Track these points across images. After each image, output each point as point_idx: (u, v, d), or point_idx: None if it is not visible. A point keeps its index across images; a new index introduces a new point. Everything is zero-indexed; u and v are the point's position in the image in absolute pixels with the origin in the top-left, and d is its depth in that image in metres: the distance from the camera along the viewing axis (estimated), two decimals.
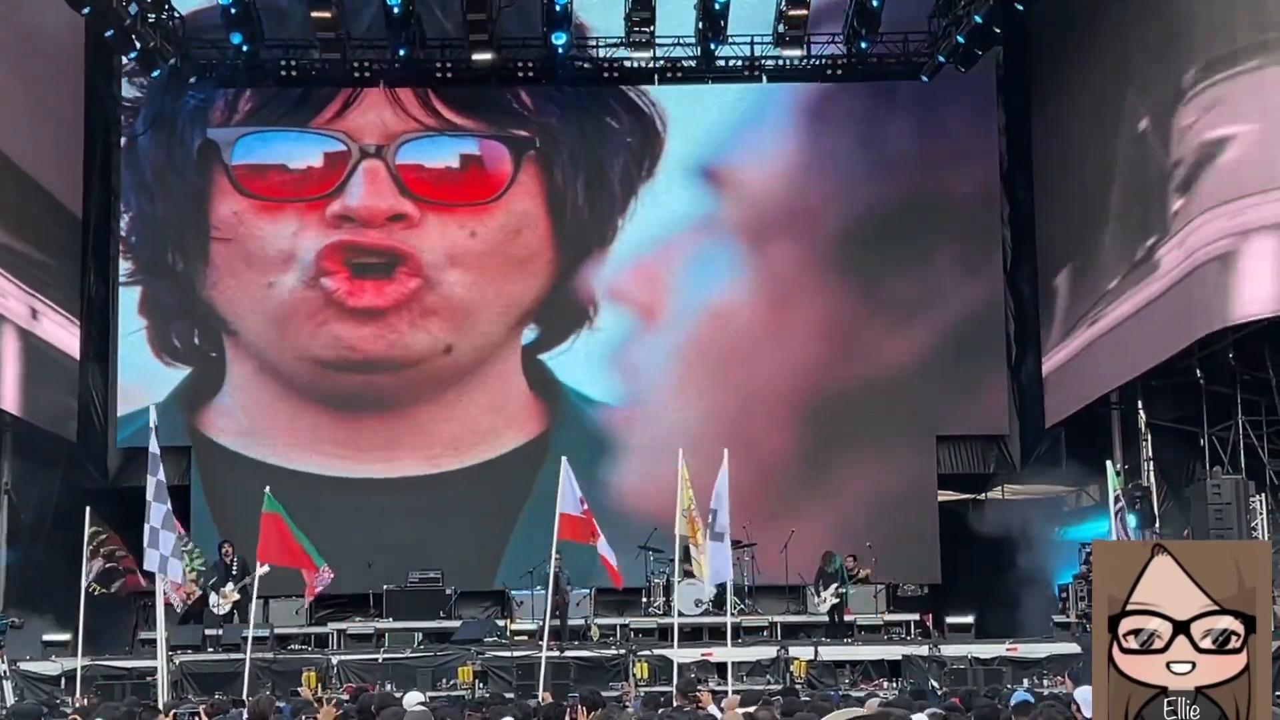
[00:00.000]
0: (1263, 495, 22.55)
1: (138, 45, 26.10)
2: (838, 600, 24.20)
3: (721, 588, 21.22)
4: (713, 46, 27.73)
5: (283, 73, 28.23)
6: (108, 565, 20.75)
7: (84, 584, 20.09)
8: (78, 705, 17.27)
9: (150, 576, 18.42)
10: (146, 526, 17.48)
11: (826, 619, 24.38)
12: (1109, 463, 21.11)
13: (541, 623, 20.94)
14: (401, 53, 27.79)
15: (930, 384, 28.30)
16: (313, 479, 23.86)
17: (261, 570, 20.20)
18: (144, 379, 27.23)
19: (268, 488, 19.81)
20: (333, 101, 24.85)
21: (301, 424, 23.98)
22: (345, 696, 18.18)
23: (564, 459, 19.23)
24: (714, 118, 24.90)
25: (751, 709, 13.05)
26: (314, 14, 26.55)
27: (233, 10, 26.59)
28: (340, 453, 23.89)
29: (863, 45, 27.81)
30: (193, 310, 24.94)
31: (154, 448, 17.65)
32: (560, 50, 26.96)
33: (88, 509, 20.47)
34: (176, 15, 27.35)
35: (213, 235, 24.81)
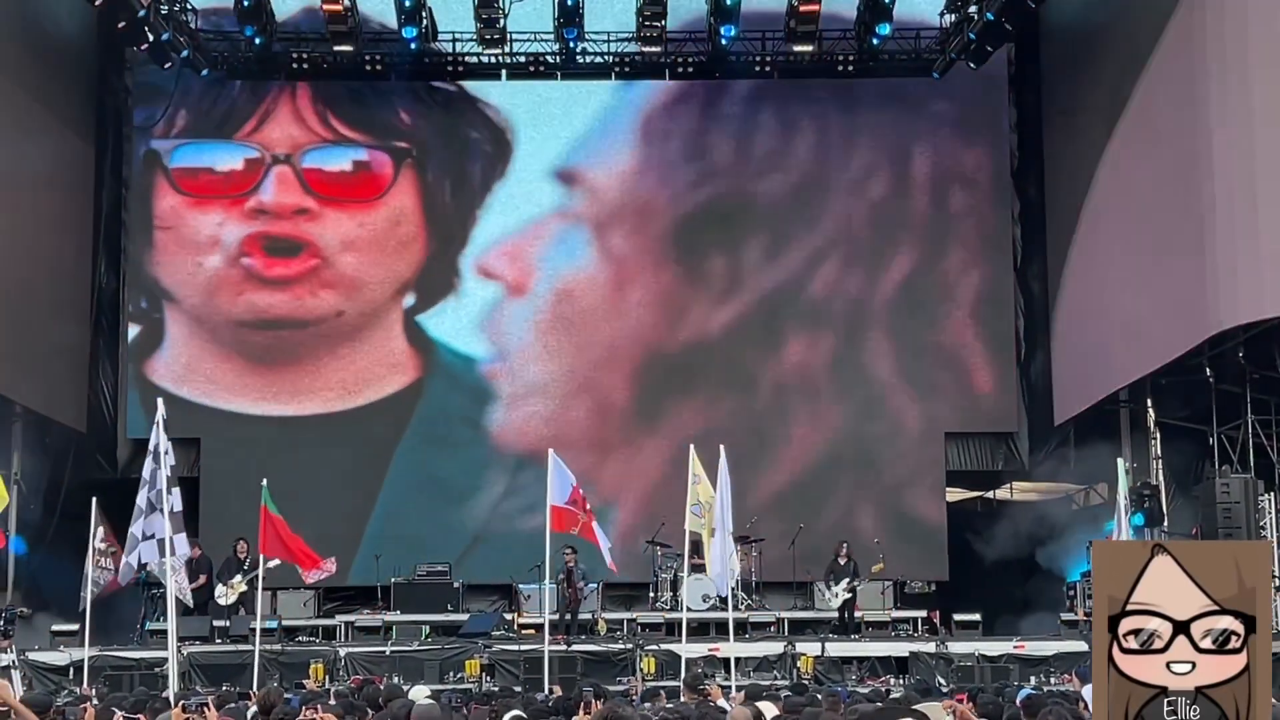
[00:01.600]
0: (1271, 494, 22.54)
1: (150, 38, 26.15)
2: (850, 595, 24.16)
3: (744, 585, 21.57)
4: (724, 41, 27.87)
5: (294, 65, 28.39)
6: (101, 569, 20.77)
7: (88, 583, 20.15)
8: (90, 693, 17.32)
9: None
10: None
11: (836, 615, 24.35)
12: (1120, 460, 21.10)
13: (550, 617, 20.98)
14: (413, 47, 27.91)
15: (939, 381, 28.37)
16: (237, 416, 27.65)
17: (271, 563, 20.28)
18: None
19: (265, 481, 20.00)
20: (250, 118, 28.36)
21: (226, 371, 27.78)
22: (353, 686, 18.25)
23: (550, 451, 19.71)
24: (565, 119, 27.51)
25: (759, 703, 13.07)
26: (326, 7, 26.63)
27: (245, 3, 26.64)
28: (258, 395, 27.66)
29: (874, 40, 27.80)
30: (141, 283, 28.46)
31: (155, 438, 17.50)
32: (570, 44, 27.31)
33: (94, 501, 20.49)
34: (190, 8, 27.41)
35: (155, 225, 28.46)
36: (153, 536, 17.20)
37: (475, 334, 27.07)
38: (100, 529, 20.73)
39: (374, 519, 26.93)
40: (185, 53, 27.13)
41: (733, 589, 21.09)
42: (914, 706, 12.26)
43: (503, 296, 26.92)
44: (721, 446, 19.59)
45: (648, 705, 14.89)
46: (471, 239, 27.35)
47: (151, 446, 17.34)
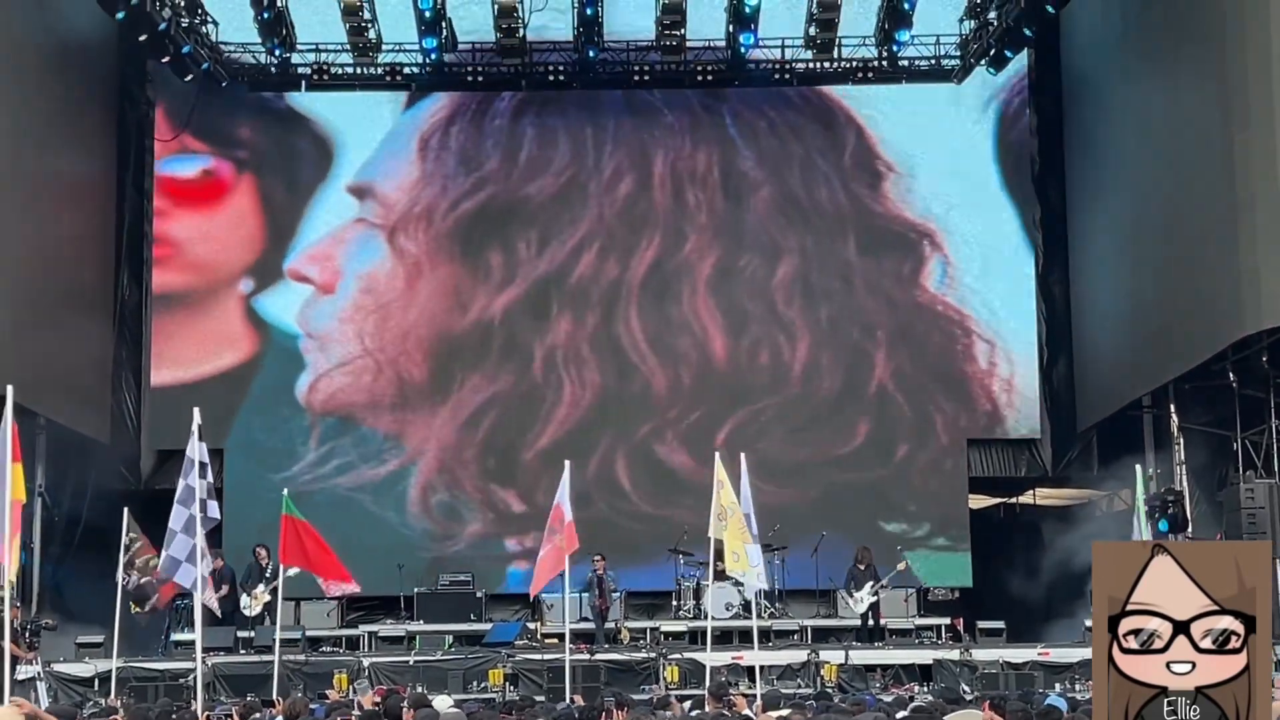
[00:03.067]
0: None
1: (171, 50, 26.27)
2: (875, 599, 24.10)
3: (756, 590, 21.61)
4: (743, 50, 27.92)
5: (315, 77, 28.50)
6: (142, 580, 20.81)
7: (119, 593, 20.19)
8: (115, 705, 17.36)
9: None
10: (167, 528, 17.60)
11: (859, 621, 24.29)
12: (1138, 467, 21.04)
13: (574, 625, 21.01)
14: (433, 57, 27.99)
15: (959, 388, 28.35)
16: None
17: (290, 572, 20.31)
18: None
19: (285, 490, 20.04)
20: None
21: None
22: (377, 699, 18.24)
23: (566, 463, 19.71)
24: (362, 136, 28.67)
25: (784, 712, 13.05)
26: (347, 19, 26.71)
27: (265, 15, 26.76)
28: None
29: (894, 48, 27.82)
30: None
31: (192, 451, 17.55)
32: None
33: (125, 511, 20.54)
34: (210, 20, 27.54)
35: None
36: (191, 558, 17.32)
37: (296, 318, 28.17)
38: (129, 537, 20.77)
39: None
40: (206, 65, 27.25)
41: (756, 596, 21.10)
42: (954, 713, 12.26)
43: (314, 293, 28.22)
44: (742, 455, 19.65)
45: (669, 714, 14.88)
46: (292, 244, 28.38)
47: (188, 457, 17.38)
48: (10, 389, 15.70)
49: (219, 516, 18.27)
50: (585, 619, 24.26)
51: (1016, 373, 28.57)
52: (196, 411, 17.75)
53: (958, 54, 28.13)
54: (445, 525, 26.86)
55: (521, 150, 26.96)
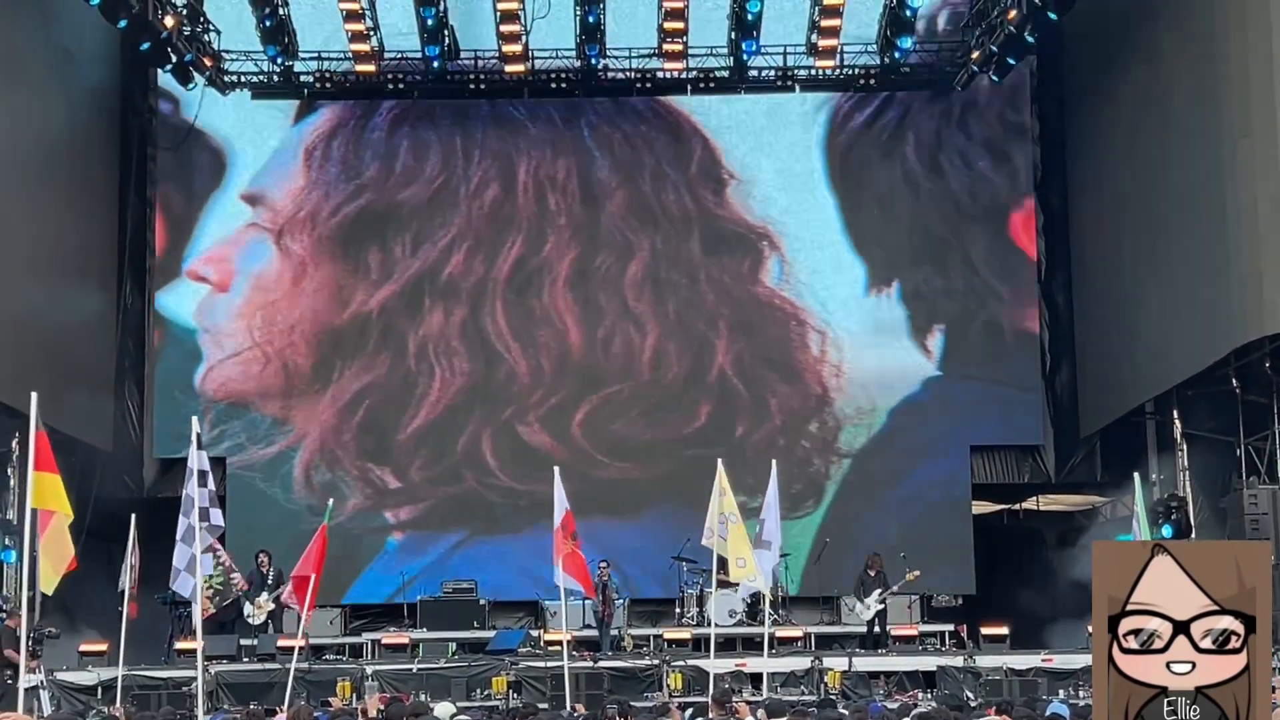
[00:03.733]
0: None
1: (173, 58, 26.31)
2: (882, 606, 24.08)
3: (756, 598, 21.67)
4: (745, 57, 28.02)
5: (317, 85, 28.57)
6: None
7: (125, 601, 20.19)
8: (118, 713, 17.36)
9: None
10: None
11: (865, 628, 24.27)
12: (1136, 475, 21.05)
13: (578, 632, 21.01)
14: (435, 65, 28.05)
15: (965, 394, 28.43)
16: None
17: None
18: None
19: (331, 500, 20.08)
20: None
21: None
22: (381, 705, 18.24)
23: (555, 469, 19.79)
24: (256, 146, 29.35)
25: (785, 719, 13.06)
26: (349, 26, 26.77)
27: (267, 23, 26.80)
28: None
29: (897, 54, 27.88)
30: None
31: (193, 460, 17.53)
32: (593, 61, 27.56)
33: (133, 519, 20.53)
34: (213, 28, 27.58)
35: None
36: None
37: (194, 315, 29.04)
38: (137, 548, 20.77)
39: None
40: (208, 73, 27.30)
41: (757, 602, 21.12)
42: None
43: (211, 291, 29.14)
44: (774, 462, 19.74)
45: None
46: (189, 248, 29.28)
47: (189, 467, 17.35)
48: (35, 397, 15.54)
49: (222, 525, 18.22)
50: (589, 626, 24.25)
51: (1020, 379, 28.70)
52: (195, 420, 17.76)
53: (960, 61, 28.16)
54: (327, 500, 27.25)
55: (397, 159, 28.33)
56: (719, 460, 19.78)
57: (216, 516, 17.81)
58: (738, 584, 20.95)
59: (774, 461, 19.87)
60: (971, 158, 28.58)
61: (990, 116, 28.74)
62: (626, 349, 26.87)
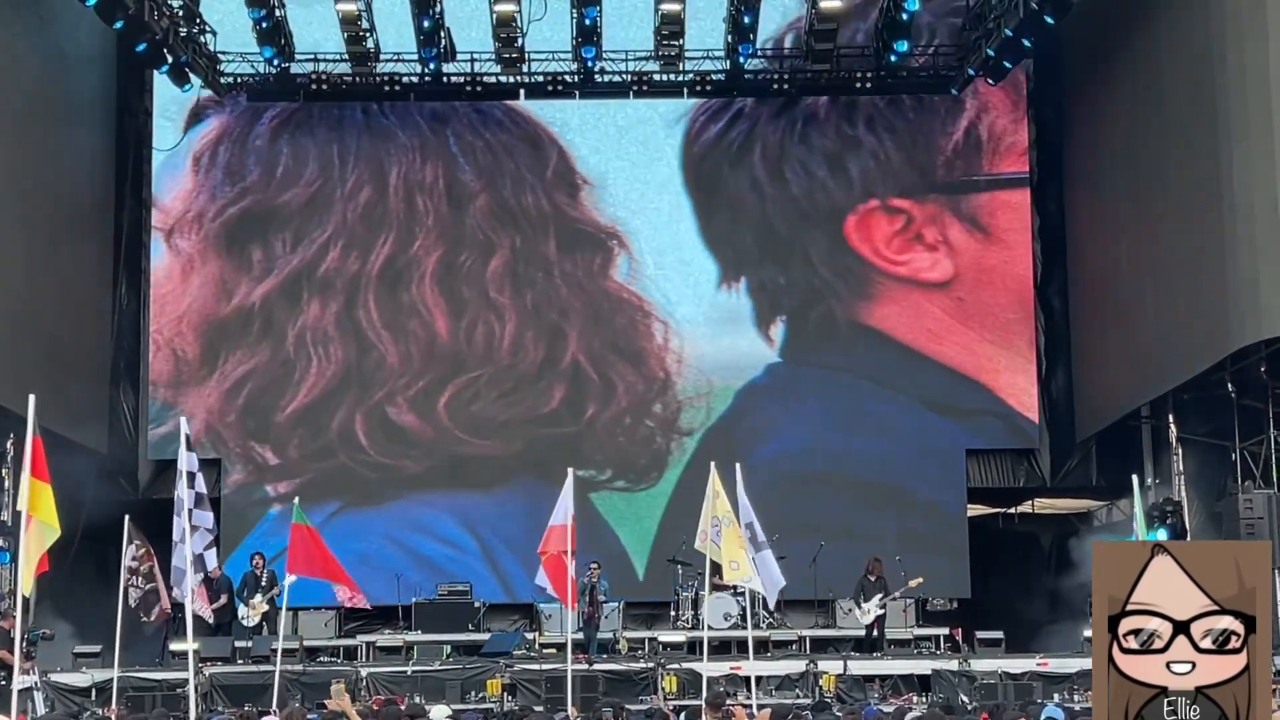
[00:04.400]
0: None
1: (169, 59, 26.28)
2: (882, 611, 24.07)
3: (749, 602, 21.69)
4: (741, 60, 28.05)
5: (313, 87, 28.58)
6: (147, 588, 20.72)
7: (122, 601, 20.13)
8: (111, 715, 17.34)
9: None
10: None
11: (863, 632, 24.24)
12: (1134, 477, 21.04)
13: (570, 635, 20.96)
14: (431, 67, 28.07)
15: (961, 397, 28.51)
16: None
17: (289, 580, 20.24)
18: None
19: (296, 499, 20.06)
20: None
21: None
22: (375, 706, 18.22)
23: (570, 470, 19.92)
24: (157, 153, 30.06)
25: None
26: (345, 27, 26.75)
27: (263, 24, 26.79)
28: None
29: (892, 58, 27.91)
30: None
31: (183, 461, 17.56)
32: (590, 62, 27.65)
33: (126, 519, 20.49)
34: (209, 30, 27.56)
35: None
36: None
37: None
38: (132, 547, 20.71)
39: None
40: (204, 75, 27.28)
41: (752, 605, 21.10)
42: None
43: None
44: (737, 465, 19.70)
45: None
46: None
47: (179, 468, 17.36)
48: (33, 400, 15.47)
49: (211, 525, 18.20)
50: (576, 630, 24.20)
51: (1016, 382, 28.80)
52: (184, 421, 17.79)
53: (957, 64, 28.20)
54: (211, 475, 28.83)
55: (278, 164, 29.61)
56: (711, 463, 19.69)
57: (201, 518, 17.79)
58: (733, 586, 20.84)
59: (738, 465, 19.71)
60: (812, 167, 29.59)
61: (829, 129, 29.64)
62: (487, 338, 28.62)
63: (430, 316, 28.91)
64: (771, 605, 22.38)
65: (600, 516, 27.90)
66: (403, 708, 16.84)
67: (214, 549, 17.76)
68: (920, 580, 24.34)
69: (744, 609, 23.20)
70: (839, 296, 29.36)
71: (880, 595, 24.00)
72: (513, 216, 28.93)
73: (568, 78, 28.83)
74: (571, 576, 19.66)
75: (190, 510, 17.40)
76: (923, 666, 22.31)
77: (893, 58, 28.02)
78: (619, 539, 27.97)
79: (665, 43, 27.40)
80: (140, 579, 20.51)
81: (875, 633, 24.06)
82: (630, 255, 28.90)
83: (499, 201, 28.89)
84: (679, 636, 24.19)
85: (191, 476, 17.51)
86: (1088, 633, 23.59)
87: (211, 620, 22.17)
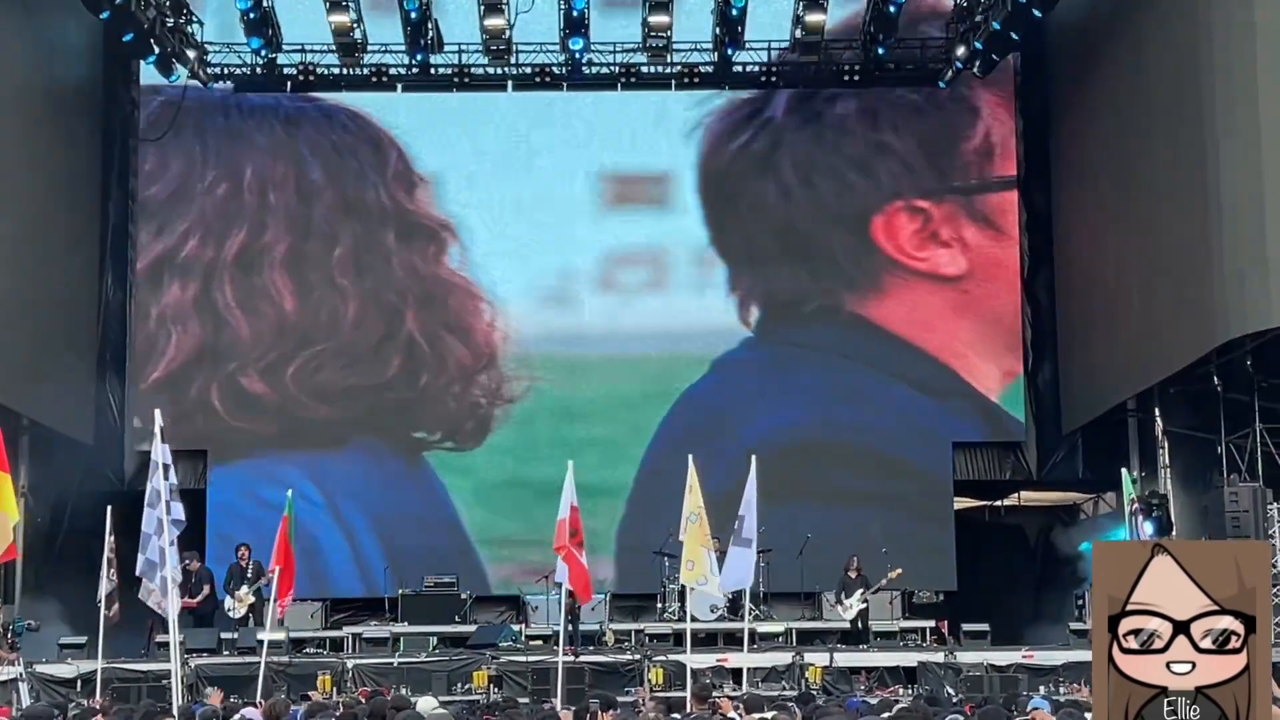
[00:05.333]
0: None
1: (156, 50, 26.22)
2: (864, 605, 24.11)
3: (737, 594, 21.68)
4: (730, 53, 28.10)
5: (300, 78, 28.55)
6: (110, 587, 20.70)
7: (102, 594, 20.13)
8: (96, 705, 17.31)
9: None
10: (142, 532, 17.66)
11: (848, 626, 24.29)
12: (1124, 470, 21.07)
13: (555, 628, 20.98)
14: (418, 59, 28.03)
15: (946, 391, 28.58)
16: None
17: (275, 571, 20.27)
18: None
19: (290, 491, 20.09)
20: None
21: None
22: (361, 697, 18.22)
23: (569, 463, 19.86)
24: None
25: (768, 715, 13.06)
26: (332, 19, 26.73)
27: (251, 15, 26.73)
28: None
29: (880, 51, 27.93)
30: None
31: (156, 453, 17.60)
32: (578, 54, 27.68)
33: (109, 510, 20.47)
34: (196, 20, 27.50)
35: None
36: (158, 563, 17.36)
37: None
38: (111, 539, 20.70)
39: None
40: (190, 66, 27.22)
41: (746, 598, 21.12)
42: None
43: None
44: (753, 458, 19.80)
45: (651, 716, 14.86)
46: None
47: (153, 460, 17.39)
48: None
49: (182, 518, 18.20)
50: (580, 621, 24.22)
51: (1002, 376, 28.82)
52: (158, 413, 17.81)
53: (944, 58, 28.22)
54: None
55: (145, 163, 30.57)
56: (689, 456, 19.74)
57: (176, 510, 17.80)
58: (695, 585, 20.69)
59: (753, 457, 19.82)
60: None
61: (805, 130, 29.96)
62: (331, 316, 30.34)
63: (280, 297, 30.42)
64: (720, 604, 22.37)
65: (433, 471, 29.96)
66: (388, 699, 16.82)
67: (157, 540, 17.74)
68: (899, 572, 24.41)
69: (730, 601, 23.26)
70: (834, 289, 29.66)
71: (861, 590, 24.06)
72: (356, 211, 30.52)
73: (555, 69, 28.79)
74: (585, 568, 19.70)
75: (168, 502, 17.43)
76: (909, 659, 22.36)
77: (880, 50, 28.03)
78: (447, 489, 29.65)
79: (653, 35, 27.40)
80: (111, 571, 20.52)
81: (860, 626, 24.11)
82: (460, 245, 30.60)
83: (343, 197, 30.45)
84: (665, 628, 24.19)
85: (167, 469, 17.54)
86: (1073, 625, 23.68)
87: (168, 616, 22.09)
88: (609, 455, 28.81)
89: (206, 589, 23.72)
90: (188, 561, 22.66)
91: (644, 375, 29.69)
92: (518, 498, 28.49)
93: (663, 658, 21.57)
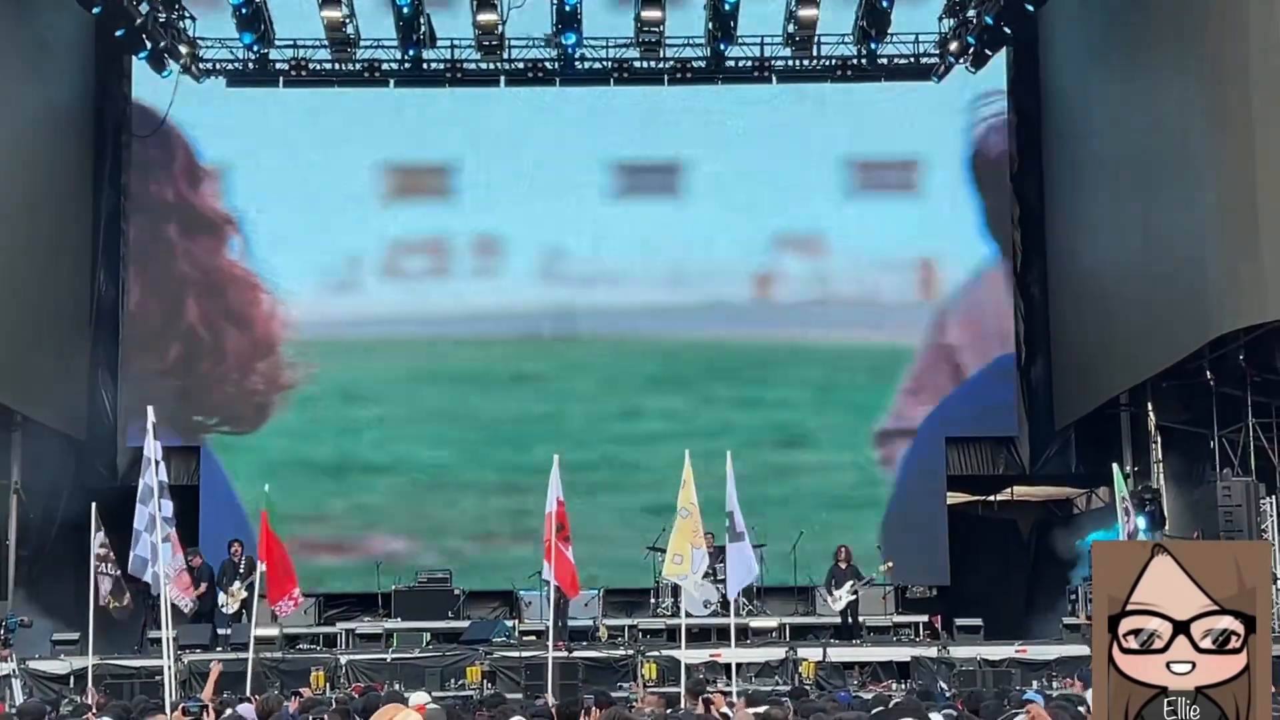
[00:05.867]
0: (1273, 497, 22.50)
1: (148, 45, 26.17)
2: (854, 597, 24.12)
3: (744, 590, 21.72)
4: (722, 47, 28.10)
5: (292, 74, 28.50)
6: (117, 574, 20.65)
7: (93, 590, 20.07)
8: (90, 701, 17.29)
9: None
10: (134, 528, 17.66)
11: (838, 619, 24.30)
12: (1115, 465, 21.08)
13: (548, 624, 20.98)
14: (410, 54, 27.99)
15: (940, 384, 28.60)
16: None
17: (264, 567, 20.23)
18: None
19: (266, 485, 20.08)
20: None
21: None
22: (354, 693, 18.20)
23: (555, 456, 19.73)
24: None
25: (761, 709, 13.03)
26: (325, 14, 26.70)
27: (243, 10, 26.69)
28: None
29: (873, 45, 27.93)
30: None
31: (149, 449, 17.60)
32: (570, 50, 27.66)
33: (94, 507, 20.40)
34: (188, 15, 27.45)
35: None
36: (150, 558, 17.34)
37: None
38: (100, 534, 20.65)
39: None
40: (182, 61, 27.18)
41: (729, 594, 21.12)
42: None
43: None
44: (729, 453, 19.75)
45: (646, 711, 14.86)
46: None
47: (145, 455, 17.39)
48: None
49: (171, 515, 18.17)
50: (573, 618, 24.21)
51: (995, 370, 28.95)
52: (151, 410, 17.79)
53: (937, 52, 28.23)
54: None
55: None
56: (685, 451, 19.70)
57: (165, 507, 17.78)
58: (678, 581, 20.64)
59: (729, 453, 19.77)
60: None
61: None
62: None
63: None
64: (731, 597, 22.40)
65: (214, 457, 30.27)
66: (382, 694, 16.80)
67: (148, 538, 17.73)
68: (890, 565, 24.45)
69: (723, 596, 23.26)
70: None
71: (851, 582, 24.06)
72: (148, 209, 30.65)
73: (548, 64, 28.75)
74: (571, 563, 19.68)
75: (159, 500, 17.41)
76: (902, 654, 22.39)
77: (873, 45, 28.03)
78: (223, 468, 29.85)
79: (645, 30, 27.39)
80: (110, 565, 20.46)
81: (850, 619, 24.12)
82: (242, 237, 30.98)
83: (144, 194, 30.58)
84: (659, 624, 24.19)
85: (159, 465, 17.53)
86: (1066, 620, 23.70)
87: (187, 610, 22.06)
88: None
89: (204, 585, 23.69)
90: (191, 558, 22.65)
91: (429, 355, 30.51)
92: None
93: (656, 653, 21.56)
